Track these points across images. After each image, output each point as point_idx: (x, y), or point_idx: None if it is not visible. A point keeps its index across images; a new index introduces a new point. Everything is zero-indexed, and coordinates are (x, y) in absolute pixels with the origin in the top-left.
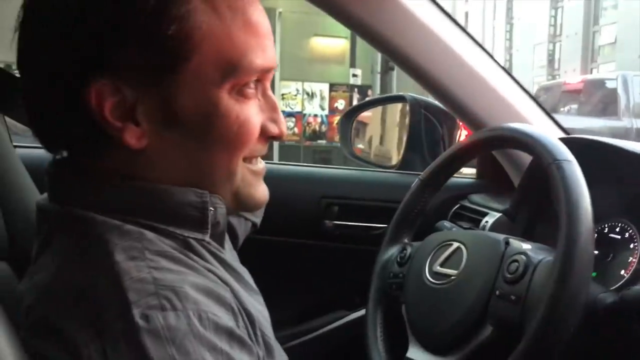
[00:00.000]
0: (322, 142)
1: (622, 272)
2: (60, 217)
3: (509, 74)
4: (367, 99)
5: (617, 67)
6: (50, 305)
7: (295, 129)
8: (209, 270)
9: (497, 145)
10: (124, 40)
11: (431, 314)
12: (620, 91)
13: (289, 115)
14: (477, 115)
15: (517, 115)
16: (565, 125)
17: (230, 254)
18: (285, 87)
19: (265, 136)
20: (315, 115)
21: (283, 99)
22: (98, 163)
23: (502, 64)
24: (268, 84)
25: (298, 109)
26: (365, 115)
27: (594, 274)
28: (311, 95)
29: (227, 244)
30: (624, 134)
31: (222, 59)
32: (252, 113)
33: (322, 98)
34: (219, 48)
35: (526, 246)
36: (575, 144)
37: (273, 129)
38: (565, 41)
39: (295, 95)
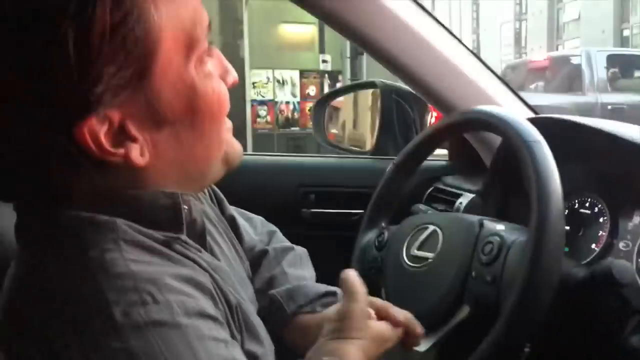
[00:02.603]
0: (296, 129)
1: (593, 245)
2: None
3: (477, 56)
4: (337, 84)
5: (581, 43)
6: (25, 304)
7: (268, 117)
8: (187, 258)
9: (468, 128)
10: (98, 76)
11: (410, 297)
12: (584, 67)
13: (260, 103)
14: (447, 99)
15: (486, 97)
16: (533, 102)
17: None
18: (255, 75)
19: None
20: (287, 103)
21: (254, 87)
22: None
23: (470, 44)
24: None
25: (269, 97)
26: (338, 99)
27: (566, 249)
28: (282, 83)
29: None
30: (590, 109)
31: (179, 39)
32: (217, 79)
33: (293, 85)
34: (173, 30)
35: (500, 227)
36: (544, 124)
37: (230, 80)
38: (531, 19)
39: (266, 83)
